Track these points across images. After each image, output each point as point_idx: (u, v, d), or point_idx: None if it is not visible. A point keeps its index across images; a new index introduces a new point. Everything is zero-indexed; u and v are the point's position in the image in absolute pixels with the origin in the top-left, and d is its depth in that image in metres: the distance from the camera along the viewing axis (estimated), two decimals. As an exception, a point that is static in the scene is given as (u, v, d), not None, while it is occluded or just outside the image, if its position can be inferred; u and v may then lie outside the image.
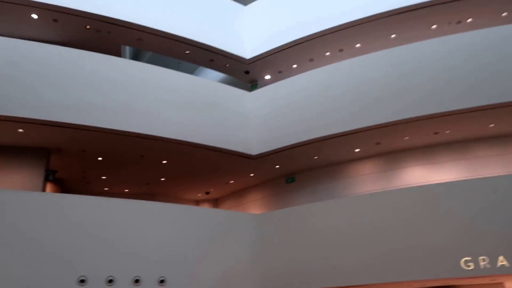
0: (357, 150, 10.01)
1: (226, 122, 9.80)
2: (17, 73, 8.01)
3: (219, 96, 10.09)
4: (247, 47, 11.62)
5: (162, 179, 11.43)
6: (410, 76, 8.66)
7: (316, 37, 10.51)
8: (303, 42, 10.73)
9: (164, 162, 10.05)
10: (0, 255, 6.53)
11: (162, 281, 7.40)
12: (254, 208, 12.31)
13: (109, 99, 8.52)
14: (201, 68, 14.47)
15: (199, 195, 13.57)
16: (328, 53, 11.15)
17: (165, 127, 8.83)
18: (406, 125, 8.61)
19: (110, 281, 7.09)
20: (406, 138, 9.35)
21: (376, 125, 8.61)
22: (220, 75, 13.53)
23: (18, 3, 8.96)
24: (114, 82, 8.75)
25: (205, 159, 10.05)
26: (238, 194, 13.33)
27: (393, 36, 10.50)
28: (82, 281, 6.92)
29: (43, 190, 9.01)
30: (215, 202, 14.22)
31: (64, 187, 10.52)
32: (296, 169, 11.24)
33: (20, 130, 8.28)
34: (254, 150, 9.94)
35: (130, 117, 8.53)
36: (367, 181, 10.33)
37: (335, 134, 9.01)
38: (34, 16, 9.35)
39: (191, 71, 13.98)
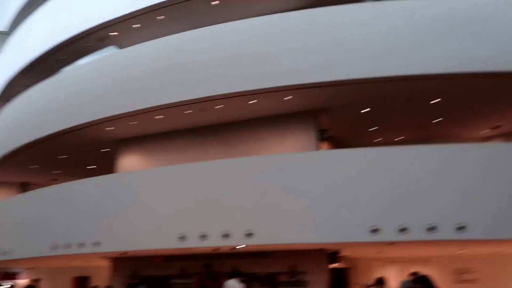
0: None
1: (504, 40, 7.93)
2: (280, 46, 8.64)
3: (489, 11, 8.21)
4: None
5: (437, 120, 10.49)
6: None
7: None
8: None
9: (435, 101, 9.13)
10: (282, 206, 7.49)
11: (461, 228, 6.77)
12: None
13: (361, 48, 8.21)
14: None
15: (485, 131, 11.76)
16: None
17: (432, 62, 7.85)
18: None
19: (403, 229, 6.93)
20: None
21: None
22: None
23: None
24: (361, 31, 8.35)
25: (485, 88, 8.62)
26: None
27: None
28: (375, 230, 7.01)
29: (318, 149, 9.54)
30: (509, 137, 11.96)
31: (337, 144, 10.95)
32: None
33: (288, 98, 8.93)
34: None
35: (390, 61, 7.98)
36: None
37: None
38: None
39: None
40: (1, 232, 11.73)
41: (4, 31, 15.78)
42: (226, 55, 8.99)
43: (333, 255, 9.20)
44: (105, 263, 11.44)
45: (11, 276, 14.59)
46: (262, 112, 9.80)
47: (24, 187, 13.29)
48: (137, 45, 10.27)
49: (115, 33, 11.42)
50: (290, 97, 8.90)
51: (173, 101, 9.19)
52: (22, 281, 13.72)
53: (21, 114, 12.54)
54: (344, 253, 9.76)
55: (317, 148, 9.56)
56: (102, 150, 12.18)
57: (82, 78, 11.03)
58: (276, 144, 9.84)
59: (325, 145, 10.21)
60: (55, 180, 13.97)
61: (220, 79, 8.88)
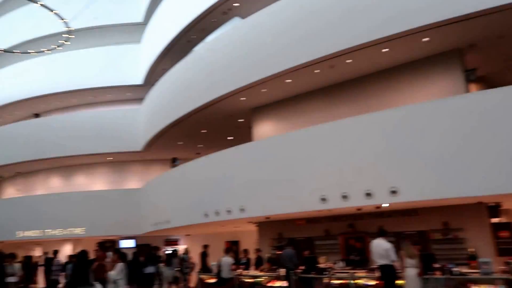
0: None
1: None
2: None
3: None
4: None
5: None
6: None
7: None
8: None
9: None
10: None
11: None
12: None
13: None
14: None
15: None
16: None
17: None
18: None
19: None
20: None
21: None
22: None
23: None
24: None
25: None
26: None
27: None
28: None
29: (467, 92, 8.44)
30: None
31: (489, 84, 9.57)
32: None
33: (425, 39, 8.06)
34: None
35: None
36: None
37: None
38: None
39: None
40: (162, 204, 13.09)
41: (140, 22, 17.23)
42: (354, 3, 8.44)
43: (494, 209, 8.18)
44: (252, 228, 11.99)
45: (172, 242, 16.27)
46: (397, 60, 9.06)
47: (174, 162, 14.52)
48: (259, 12, 10.23)
49: (237, 4, 11.55)
50: (428, 39, 7.99)
51: (302, 62, 8.98)
52: (182, 247, 15.17)
53: (163, 96, 13.66)
54: (507, 206, 8.60)
55: (466, 90, 8.47)
56: (238, 120, 12.63)
57: (212, 54, 11.50)
58: (417, 92, 8.99)
59: (474, 86, 9.03)
60: (198, 154, 15.01)
61: (348, 30, 8.37)
